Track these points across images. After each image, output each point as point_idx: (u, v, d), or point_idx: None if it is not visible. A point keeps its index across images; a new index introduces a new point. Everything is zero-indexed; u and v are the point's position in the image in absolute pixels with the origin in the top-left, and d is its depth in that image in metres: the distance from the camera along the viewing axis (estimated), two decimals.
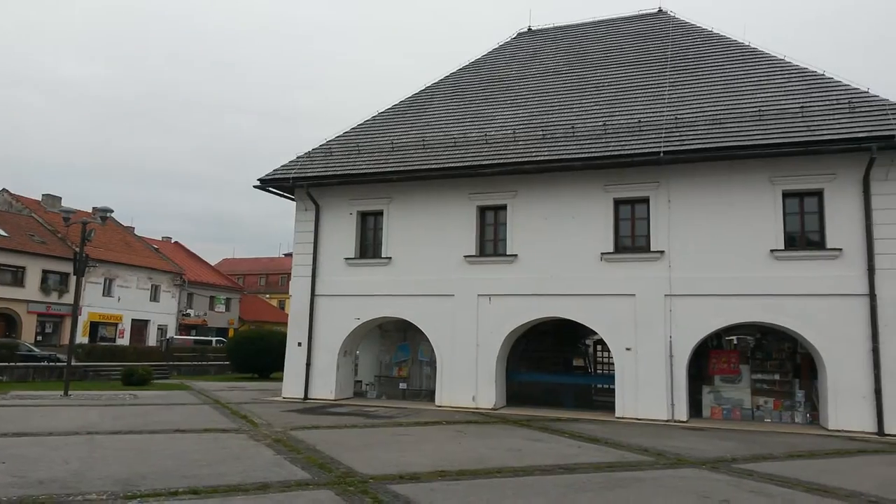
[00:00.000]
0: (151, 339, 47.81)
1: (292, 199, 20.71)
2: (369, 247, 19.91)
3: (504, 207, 18.34)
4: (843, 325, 14.73)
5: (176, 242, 61.90)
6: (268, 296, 74.52)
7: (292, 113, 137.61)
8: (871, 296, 14.56)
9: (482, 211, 18.67)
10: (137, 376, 24.72)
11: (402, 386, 20.23)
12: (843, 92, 16.34)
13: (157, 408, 16.58)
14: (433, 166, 18.37)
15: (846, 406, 14.49)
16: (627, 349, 16.37)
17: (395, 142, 19.93)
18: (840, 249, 15.03)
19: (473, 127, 19.75)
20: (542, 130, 18.38)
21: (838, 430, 14.33)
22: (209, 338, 48.41)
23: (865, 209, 14.93)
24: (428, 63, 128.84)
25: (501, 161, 17.69)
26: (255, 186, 20.36)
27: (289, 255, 55.85)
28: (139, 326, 47.86)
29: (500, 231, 18.48)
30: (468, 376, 17.68)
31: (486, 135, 18.96)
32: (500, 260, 18.08)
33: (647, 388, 15.90)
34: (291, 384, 19.46)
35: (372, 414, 15.77)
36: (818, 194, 15.60)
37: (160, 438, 11.31)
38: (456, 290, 18.16)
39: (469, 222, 18.48)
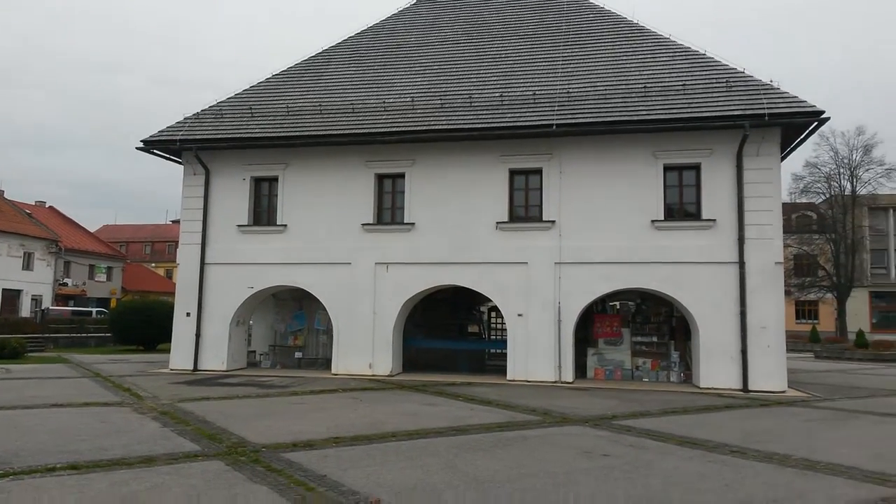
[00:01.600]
0: (25, 311, 44.56)
1: (180, 163, 19.72)
2: (263, 213, 19.36)
3: (402, 175, 18.31)
4: (714, 291, 15.87)
5: (51, 207, 57.59)
6: (154, 264, 71.04)
7: (187, 76, 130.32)
8: (741, 263, 15.73)
9: (380, 179, 18.56)
10: (10, 349, 23.02)
11: (298, 355, 19.99)
12: (721, 71, 17.34)
13: (31, 382, 15.57)
14: (330, 132, 18.01)
15: (716, 365, 15.70)
16: (519, 315, 16.92)
17: (290, 106, 19.35)
18: (714, 220, 16.11)
19: (371, 93, 19.48)
20: (441, 99, 18.40)
21: (709, 388, 15.52)
22: (89, 309, 45.67)
23: (738, 183, 16.03)
24: (325, 25, 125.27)
25: (400, 129, 17.59)
26: (138, 148, 19.22)
27: (177, 221, 53.32)
28: (10, 297, 44.48)
29: (398, 199, 18.47)
30: (365, 344, 17.72)
31: (384, 102, 18.77)
32: (397, 228, 18.09)
33: (537, 352, 16.55)
34: (179, 356, 18.77)
35: (266, 384, 15.53)
36: (696, 168, 16.58)
37: (35, 413, 10.66)
38: (353, 259, 18.04)
39: (367, 190, 18.34)
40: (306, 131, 18.23)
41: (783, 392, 15.03)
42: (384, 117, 18.15)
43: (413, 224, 17.87)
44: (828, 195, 44.70)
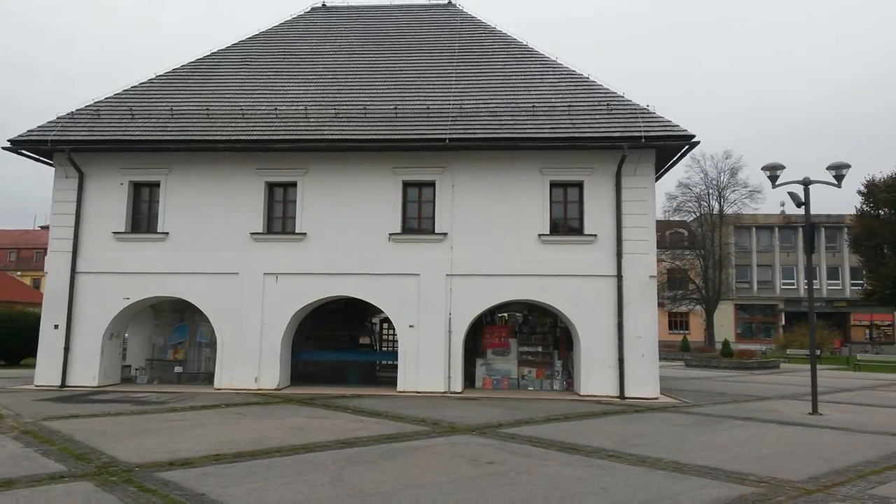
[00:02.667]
0: None
1: (51, 165, 18.39)
2: (143, 220, 18.39)
3: (294, 185, 17.97)
4: (595, 303, 16.64)
5: None
6: (19, 273, 65.57)
7: (64, 72, 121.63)
8: (619, 276, 16.59)
9: (271, 187, 18.13)
10: None
11: (178, 370, 19.05)
12: (603, 95, 18.32)
13: None
14: (218, 138, 17.41)
15: (595, 374, 16.45)
16: (411, 326, 17.00)
17: (175, 109, 18.54)
18: (595, 235, 16.91)
19: (263, 100, 19.04)
20: (335, 109, 18.27)
21: (589, 395, 16.23)
22: None
23: (617, 201, 16.93)
24: (214, 28, 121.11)
25: (292, 137, 17.30)
26: (4, 148, 17.75)
27: (46, 227, 49.52)
28: None
29: (290, 209, 18.09)
30: (251, 357, 17.17)
31: (276, 109, 18.39)
32: (288, 238, 17.72)
33: (428, 363, 16.68)
34: (46, 371, 17.40)
35: (141, 400, 14.71)
36: (579, 185, 17.36)
37: None
38: (241, 269, 17.47)
39: (257, 198, 17.84)
40: (191, 136, 17.53)
41: (656, 398, 15.96)
42: (276, 124, 17.78)
43: (304, 234, 17.57)
44: (698, 214, 48.11)
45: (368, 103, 18.44)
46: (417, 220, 17.81)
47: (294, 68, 20.71)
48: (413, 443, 9.60)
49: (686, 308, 50.71)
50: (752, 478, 7.69)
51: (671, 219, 50.88)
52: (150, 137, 17.58)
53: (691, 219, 50.78)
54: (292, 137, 17.25)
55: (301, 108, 18.35)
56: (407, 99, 18.64)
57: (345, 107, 18.39)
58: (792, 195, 14.82)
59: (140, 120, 18.25)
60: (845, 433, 11.47)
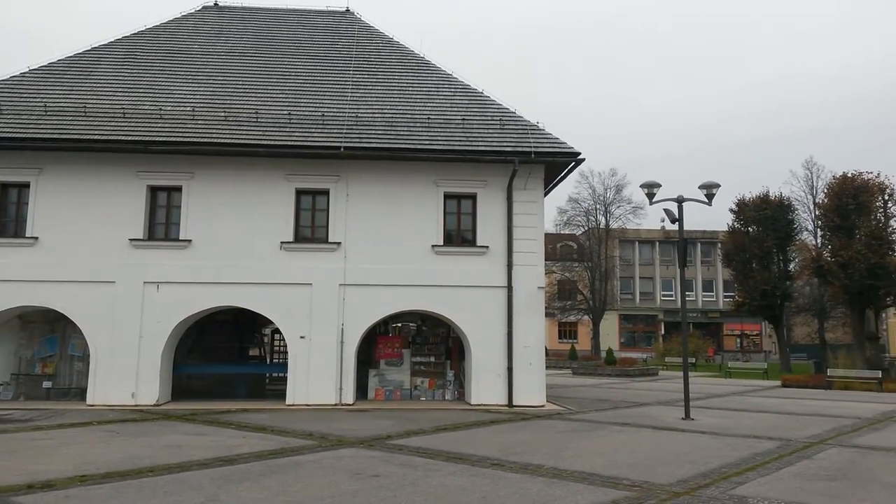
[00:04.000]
0: None
1: None
2: (10, 224, 17.02)
3: (179, 189, 17.21)
4: (486, 313, 16.95)
5: None
6: None
7: None
8: (509, 287, 16.99)
9: (154, 191, 17.27)
10: None
11: (47, 384, 17.66)
12: (496, 110, 18.78)
13: None
14: (96, 137, 16.40)
15: (486, 383, 16.73)
16: (302, 337, 16.64)
17: (49, 105, 17.32)
18: (487, 247, 17.26)
19: (147, 99, 18.14)
20: (225, 112, 17.68)
21: (479, 405, 16.48)
22: None
23: (508, 213, 17.37)
24: (93, 21, 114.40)
25: (177, 139, 16.57)
26: None
27: None
28: None
29: (174, 214, 17.30)
30: (128, 371, 16.19)
31: (161, 109, 17.57)
32: (171, 245, 16.92)
33: (319, 375, 16.37)
34: None
35: (4, 418, 13.54)
36: (473, 198, 17.67)
37: None
38: (118, 277, 16.49)
39: (137, 202, 16.93)
40: (66, 134, 16.43)
41: (542, 406, 16.43)
42: (160, 125, 16.98)
43: (189, 241, 16.83)
44: (586, 228, 50.22)
45: (261, 107, 17.99)
46: (311, 229, 17.51)
47: (182, 68, 19.89)
48: (298, 458, 9.37)
49: (574, 318, 52.62)
50: (626, 482, 8.06)
51: (562, 232, 52.78)
52: (19, 135, 16.34)
53: (580, 232, 52.90)
54: (177, 139, 16.53)
55: (188, 108, 17.63)
56: (301, 105, 18.34)
57: (235, 110, 17.84)
58: (667, 212, 15.75)
59: (9, 116, 16.93)
60: (713, 437, 12.25)
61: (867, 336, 32.66)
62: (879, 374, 25.23)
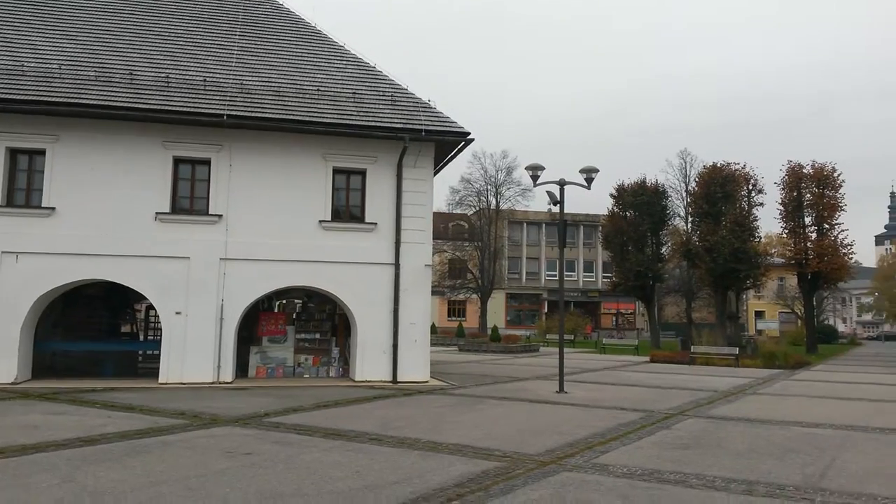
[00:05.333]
0: None
1: None
2: None
3: (42, 152, 15.90)
4: (373, 290, 16.91)
5: None
6: None
7: None
8: (397, 265, 17.02)
9: (13, 154, 15.90)
10: None
11: None
12: (388, 86, 18.60)
13: None
14: None
15: (371, 359, 16.75)
16: (178, 313, 15.94)
17: None
18: (376, 224, 17.17)
19: (7, 53, 16.57)
20: (95, 71, 16.46)
21: (363, 381, 16.49)
22: None
23: (397, 191, 17.33)
24: None
25: (40, 98, 15.28)
26: None
27: None
28: None
29: (37, 179, 15.99)
30: None
31: (22, 65, 16.10)
32: (33, 212, 15.65)
33: (195, 352, 15.76)
34: None
35: None
36: (362, 174, 17.49)
37: None
38: None
39: None
40: None
41: (426, 382, 16.68)
42: (21, 83, 15.58)
43: (53, 209, 15.63)
44: (478, 208, 51.13)
45: (136, 68, 16.89)
46: (190, 200, 16.73)
47: (48, 21, 18.32)
48: (166, 437, 8.99)
49: (463, 296, 53.66)
50: (498, 453, 8.34)
51: (453, 211, 53.48)
52: None
53: (471, 212, 53.80)
54: (40, 98, 15.25)
55: (54, 65, 16.28)
56: (181, 69, 17.38)
57: (107, 69, 16.66)
58: (550, 194, 16.30)
59: None
60: (583, 409, 12.91)
61: (728, 316, 35.47)
62: (737, 350, 27.43)
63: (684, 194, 44.72)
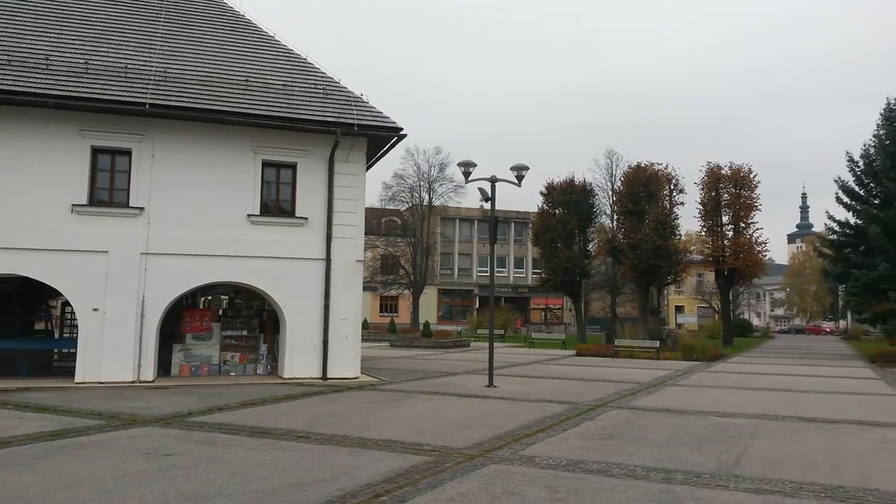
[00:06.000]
0: None
1: None
2: None
3: None
4: (303, 286, 16.67)
5: None
6: None
7: None
8: (328, 260, 16.82)
9: None
10: None
11: None
12: (320, 78, 18.35)
13: None
14: None
15: (300, 356, 16.51)
16: (95, 310, 15.28)
17: None
18: (306, 218, 16.92)
19: None
20: (8, 55, 15.57)
21: (292, 378, 16.25)
22: None
23: (329, 185, 17.13)
24: None
25: None
26: None
27: None
28: None
29: None
30: None
31: None
32: None
33: (114, 350, 15.15)
34: None
35: None
36: (293, 167, 17.20)
37: None
38: None
39: None
40: None
41: (357, 378, 16.59)
42: None
43: None
44: (411, 204, 51.11)
45: (53, 53, 16.07)
46: (109, 192, 16.04)
47: None
48: (82, 439, 8.62)
49: (396, 292, 53.57)
50: (427, 447, 8.40)
51: (386, 207, 53.26)
52: None
53: (404, 208, 53.73)
54: None
55: None
56: (101, 54, 16.64)
57: (20, 54, 15.79)
58: (481, 190, 16.47)
59: None
60: (512, 402, 13.13)
61: (650, 310, 36.74)
62: (658, 344, 28.47)
63: (610, 193, 46.01)
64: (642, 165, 37.79)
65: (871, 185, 33.13)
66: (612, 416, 11.61)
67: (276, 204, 17.29)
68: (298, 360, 16.51)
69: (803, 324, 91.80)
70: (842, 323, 78.81)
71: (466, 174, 16.06)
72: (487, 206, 16.67)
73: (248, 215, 16.55)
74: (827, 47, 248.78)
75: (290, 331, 16.59)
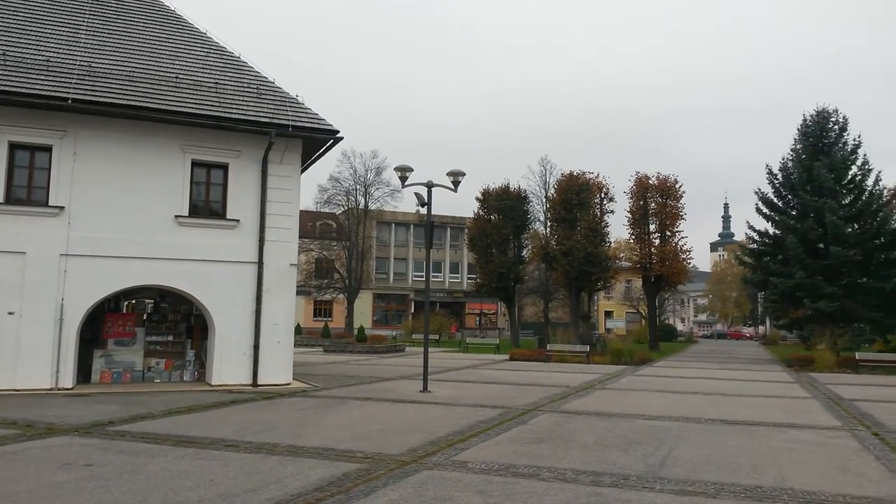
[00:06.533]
0: None
1: None
2: None
3: None
4: (234, 290, 16.25)
5: None
6: None
7: None
8: (260, 263, 16.45)
9: None
10: None
11: None
12: (254, 78, 17.98)
13: None
14: None
15: (230, 362, 16.08)
16: (11, 313, 14.47)
17: None
18: (238, 221, 16.52)
19: None
20: None
21: (221, 385, 15.80)
22: None
23: (262, 187, 16.77)
24: None
25: None
26: None
27: None
28: None
29: None
30: None
31: None
32: None
33: (31, 356, 14.37)
34: None
35: None
36: (224, 168, 16.76)
37: None
38: None
39: None
40: None
41: (288, 384, 16.28)
42: None
43: None
44: (346, 207, 50.62)
45: None
46: (27, 190, 15.27)
47: None
48: None
49: (330, 296, 52.90)
50: (360, 454, 8.32)
51: (322, 210, 52.58)
52: None
53: (340, 211, 53.18)
54: None
55: None
56: (20, 46, 15.86)
57: None
58: (418, 195, 16.48)
59: None
60: (446, 407, 13.16)
61: (581, 315, 37.59)
62: (588, 348, 29.12)
63: (544, 200, 46.76)
64: (574, 174, 38.67)
65: (789, 196, 34.94)
66: (543, 419, 11.79)
67: (207, 205, 16.82)
68: (227, 367, 16.08)
69: (725, 329, 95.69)
70: (761, 328, 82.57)
71: (403, 179, 16.03)
72: (424, 210, 16.69)
73: (176, 216, 16.04)
74: (752, 63, 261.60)
75: (219, 336, 16.14)
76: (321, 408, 12.78)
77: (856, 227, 32.27)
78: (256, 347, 16.16)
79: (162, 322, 17.34)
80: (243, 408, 12.55)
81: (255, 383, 15.97)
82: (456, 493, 6.57)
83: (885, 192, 35.03)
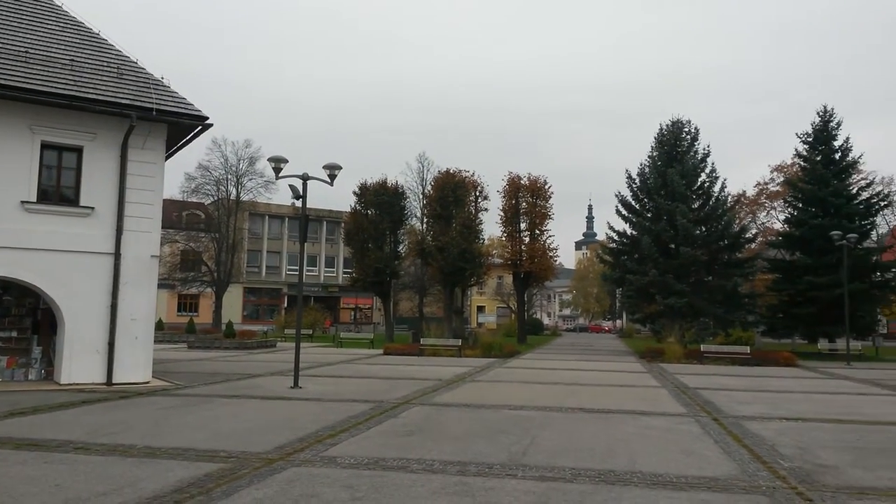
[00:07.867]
0: None
1: None
2: None
3: None
4: (87, 282, 15.15)
5: None
6: None
7: None
8: (117, 255, 15.44)
9: None
10: None
11: None
12: (114, 56, 16.83)
13: None
14: None
15: (81, 360, 14.98)
16: None
17: None
18: (93, 208, 15.42)
19: None
20: None
21: (71, 384, 14.70)
22: None
23: (121, 173, 15.73)
24: None
25: None
26: None
27: None
28: None
29: None
30: None
31: None
32: None
33: None
34: None
35: None
36: (78, 151, 15.56)
37: None
38: None
39: None
40: None
41: (147, 383, 15.42)
42: None
43: None
44: (216, 197, 48.50)
45: None
46: None
47: None
48: None
49: (197, 290, 50.57)
50: (224, 454, 8.05)
51: (189, 199, 50.07)
52: None
53: (209, 202, 50.90)
54: None
55: None
56: None
57: None
58: (292, 188, 16.13)
59: None
60: (317, 403, 13.01)
61: (454, 310, 38.38)
62: (460, 342, 29.79)
63: (421, 196, 47.22)
64: (451, 171, 39.35)
65: (646, 200, 37.51)
66: (414, 412, 11.95)
67: (58, 191, 15.56)
68: (79, 365, 14.98)
69: (586, 323, 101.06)
70: (618, 322, 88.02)
71: (277, 170, 15.64)
72: (299, 203, 16.36)
73: (23, 202, 14.73)
74: (628, 72, 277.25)
75: (69, 332, 14.99)
76: (183, 407, 12.21)
77: (703, 229, 35.22)
78: (112, 344, 15.17)
79: (4, 316, 15.84)
80: (96, 408, 11.75)
81: (109, 382, 14.98)
82: (323, 489, 6.54)
83: (729, 198, 38.49)
